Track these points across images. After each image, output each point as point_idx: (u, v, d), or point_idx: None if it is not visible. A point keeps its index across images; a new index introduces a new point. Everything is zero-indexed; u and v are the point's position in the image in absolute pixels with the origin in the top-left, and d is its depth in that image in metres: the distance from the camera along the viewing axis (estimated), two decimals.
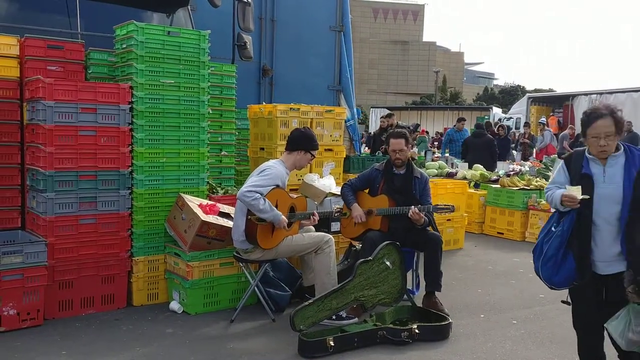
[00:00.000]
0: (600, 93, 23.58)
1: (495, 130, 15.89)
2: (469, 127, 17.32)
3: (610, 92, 23.07)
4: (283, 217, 4.58)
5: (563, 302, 3.45)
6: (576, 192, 3.19)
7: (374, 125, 28.59)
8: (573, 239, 3.26)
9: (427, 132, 27.03)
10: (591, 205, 3.22)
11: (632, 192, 3.17)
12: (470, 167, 11.07)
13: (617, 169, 3.25)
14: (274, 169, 4.71)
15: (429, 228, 5.28)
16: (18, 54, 5.14)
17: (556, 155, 14.42)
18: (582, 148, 3.43)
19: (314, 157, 5.04)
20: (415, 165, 5.48)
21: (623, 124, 3.26)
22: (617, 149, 3.27)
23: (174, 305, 5.02)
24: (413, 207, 4.99)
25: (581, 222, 3.26)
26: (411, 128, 18.29)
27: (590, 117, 3.23)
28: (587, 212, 3.24)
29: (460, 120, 15.08)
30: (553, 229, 3.34)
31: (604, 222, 3.24)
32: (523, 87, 73.75)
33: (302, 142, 4.90)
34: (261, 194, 4.48)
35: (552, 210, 3.47)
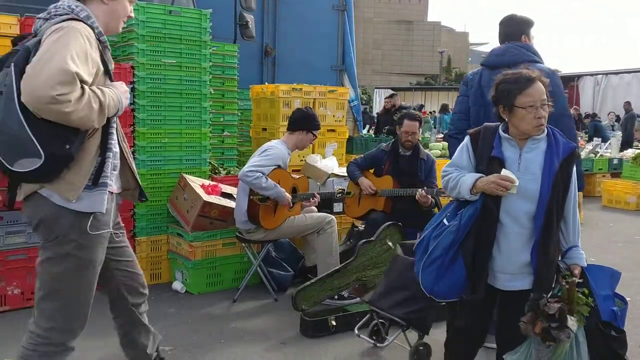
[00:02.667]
0: (606, 74, 23.41)
1: None
2: None
3: (616, 73, 22.91)
4: (286, 194, 4.58)
5: (450, 314, 2.82)
6: (515, 178, 2.56)
7: (378, 106, 28.47)
8: (469, 240, 2.58)
9: (431, 113, 26.91)
10: (499, 199, 2.57)
11: (551, 189, 2.54)
12: None
13: (537, 155, 2.61)
14: (275, 149, 4.70)
15: (435, 209, 5.27)
16: (18, 33, 5.10)
17: None
18: (494, 123, 2.73)
19: (316, 137, 5.02)
20: (422, 147, 5.46)
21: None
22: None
23: (177, 285, 5.05)
24: (420, 189, 4.97)
25: (485, 218, 2.58)
26: (415, 108, 18.22)
27: (521, 81, 2.56)
28: (494, 206, 2.57)
29: None
30: (446, 222, 2.65)
31: (512, 223, 2.59)
32: None
33: (303, 122, 4.88)
34: (263, 174, 4.47)
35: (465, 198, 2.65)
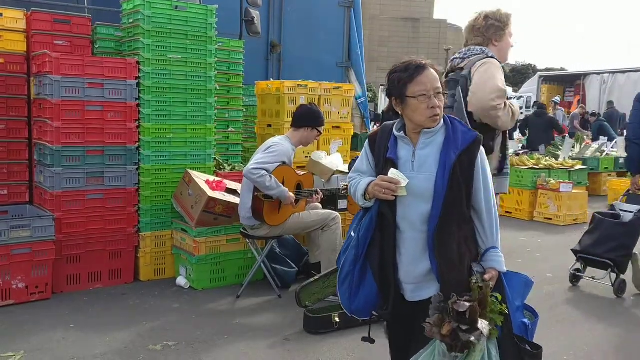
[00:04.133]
0: (613, 72, 23.30)
1: None
2: None
3: (623, 72, 22.79)
4: (290, 193, 4.57)
5: (364, 339, 2.50)
6: (401, 179, 2.28)
7: (383, 104, 28.42)
8: (374, 250, 2.36)
9: None
10: (394, 204, 2.32)
11: (447, 185, 2.25)
12: (529, 146, 11.27)
13: (432, 151, 2.32)
14: (280, 145, 4.69)
15: None
16: (25, 28, 5.12)
17: (567, 135, 14.33)
18: (391, 122, 2.48)
19: (321, 133, 5.01)
20: None
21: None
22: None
23: (181, 281, 5.05)
24: None
25: (381, 226, 2.36)
26: None
27: (410, 69, 2.31)
28: (389, 212, 2.32)
29: None
30: (353, 233, 2.43)
31: (409, 228, 2.32)
32: (534, 66, 72.98)
33: (308, 118, 4.87)
34: (267, 171, 4.47)
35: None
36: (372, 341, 2.47)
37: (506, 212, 8.97)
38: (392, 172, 2.28)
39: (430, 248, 2.28)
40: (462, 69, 3.47)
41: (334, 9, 9.65)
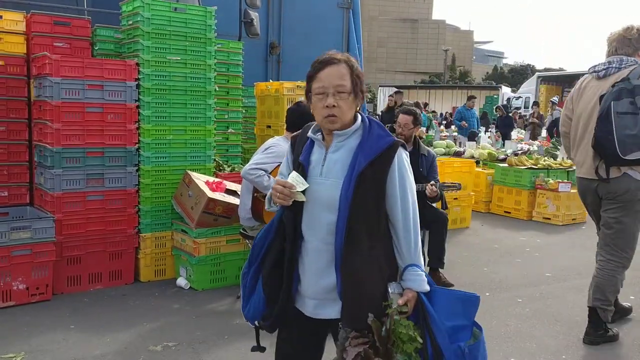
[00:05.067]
0: None
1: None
2: (478, 105, 17.40)
3: None
4: None
5: (254, 349, 2.37)
6: (298, 182, 2.10)
7: (382, 104, 28.48)
8: (269, 257, 2.20)
9: (433, 112, 26.90)
10: (299, 210, 2.14)
11: (352, 195, 2.03)
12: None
13: (342, 155, 2.11)
14: (278, 146, 4.70)
15: (436, 205, 5.30)
16: (25, 30, 5.13)
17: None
18: (314, 122, 2.25)
19: None
20: (422, 144, 5.48)
21: (362, 82, 2.16)
22: (353, 123, 2.14)
23: (181, 282, 5.07)
24: (428, 184, 4.99)
25: (279, 232, 2.19)
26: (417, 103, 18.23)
27: (315, 65, 2.17)
28: (291, 219, 2.15)
29: (471, 98, 15.05)
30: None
31: (313, 237, 2.13)
32: (533, 66, 73.20)
33: (301, 122, 4.84)
34: (265, 171, 4.48)
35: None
36: (261, 349, 2.37)
37: (505, 212, 8.99)
38: (291, 176, 2.11)
39: (336, 264, 2.07)
40: (628, 78, 3.79)
41: (333, 10, 9.69)
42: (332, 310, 2.12)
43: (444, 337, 2.05)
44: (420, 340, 2.01)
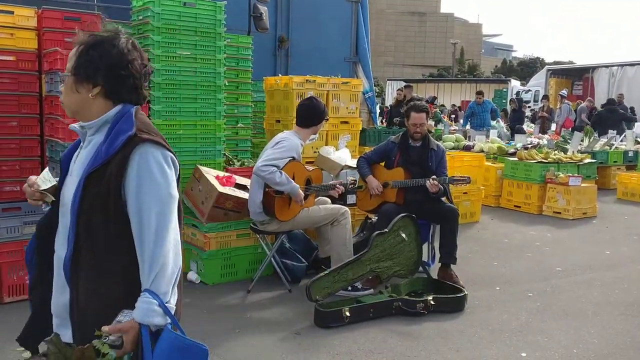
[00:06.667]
0: (622, 65, 23.16)
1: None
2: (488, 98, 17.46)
3: (632, 64, 22.64)
4: (300, 190, 4.59)
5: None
6: (45, 180, 1.91)
7: (390, 98, 28.40)
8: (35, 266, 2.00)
9: (442, 106, 26.81)
10: (56, 214, 1.89)
11: (79, 200, 1.76)
12: None
13: (90, 151, 1.84)
14: (289, 140, 4.72)
15: (444, 199, 5.29)
16: (36, 26, 5.15)
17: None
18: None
19: (327, 120, 5.06)
20: (432, 138, 5.46)
21: (103, 61, 1.80)
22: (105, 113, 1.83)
23: (192, 276, 5.10)
24: (430, 178, 4.98)
25: (38, 240, 1.96)
26: (428, 101, 18.20)
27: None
28: (45, 224, 1.94)
29: (479, 93, 15.03)
30: None
31: (59, 246, 1.86)
32: (542, 59, 72.74)
33: (314, 117, 4.87)
34: (277, 167, 4.49)
35: None
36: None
37: (515, 206, 8.96)
38: (43, 173, 1.93)
39: (68, 279, 1.81)
40: None
41: (341, 3, 9.67)
42: (66, 333, 1.83)
43: None
44: None
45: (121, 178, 1.75)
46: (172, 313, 1.76)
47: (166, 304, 1.73)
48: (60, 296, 1.85)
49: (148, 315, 1.70)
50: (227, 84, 5.69)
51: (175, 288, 1.80)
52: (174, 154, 1.85)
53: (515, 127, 15.75)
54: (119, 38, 1.87)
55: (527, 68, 64.29)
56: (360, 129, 6.75)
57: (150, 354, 1.69)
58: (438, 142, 5.57)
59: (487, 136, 12.14)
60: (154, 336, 1.72)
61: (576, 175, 8.71)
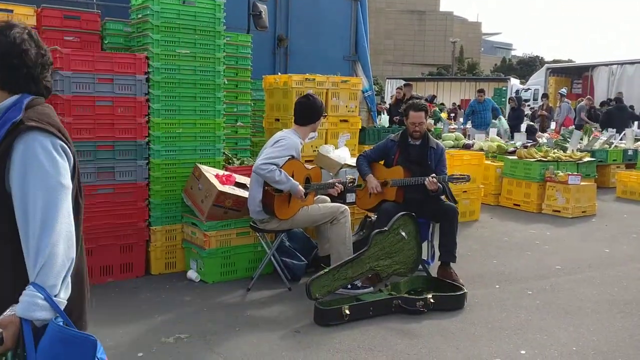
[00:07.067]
0: (621, 63, 23.16)
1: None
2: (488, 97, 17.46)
3: (632, 63, 22.65)
4: (300, 187, 4.60)
5: None
6: None
7: (389, 97, 28.40)
8: None
9: (441, 104, 26.81)
10: None
11: None
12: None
13: None
14: (288, 139, 4.72)
15: (444, 197, 5.29)
16: (35, 24, 5.16)
17: (573, 127, 14.29)
18: None
19: (325, 116, 5.07)
20: (431, 136, 5.46)
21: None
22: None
23: (192, 274, 5.10)
24: (429, 177, 4.98)
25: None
26: (427, 99, 18.19)
27: None
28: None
29: (480, 91, 15.03)
30: None
31: None
32: (541, 57, 72.67)
33: (311, 116, 4.88)
34: (277, 165, 4.49)
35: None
36: None
37: (514, 204, 8.97)
38: None
39: None
40: None
41: (340, 2, 9.66)
42: None
43: None
44: None
45: (4, 166, 1.70)
46: (62, 308, 1.68)
47: (54, 298, 1.65)
48: None
49: (29, 309, 1.63)
50: (226, 82, 5.69)
51: (68, 281, 1.72)
52: (66, 143, 1.80)
53: (515, 125, 15.74)
54: (11, 28, 1.83)
55: (527, 66, 64.28)
56: (360, 127, 6.75)
57: (33, 350, 1.61)
58: (437, 141, 5.57)
59: (487, 134, 12.14)
60: (41, 332, 1.64)
61: (575, 173, 8.72)
